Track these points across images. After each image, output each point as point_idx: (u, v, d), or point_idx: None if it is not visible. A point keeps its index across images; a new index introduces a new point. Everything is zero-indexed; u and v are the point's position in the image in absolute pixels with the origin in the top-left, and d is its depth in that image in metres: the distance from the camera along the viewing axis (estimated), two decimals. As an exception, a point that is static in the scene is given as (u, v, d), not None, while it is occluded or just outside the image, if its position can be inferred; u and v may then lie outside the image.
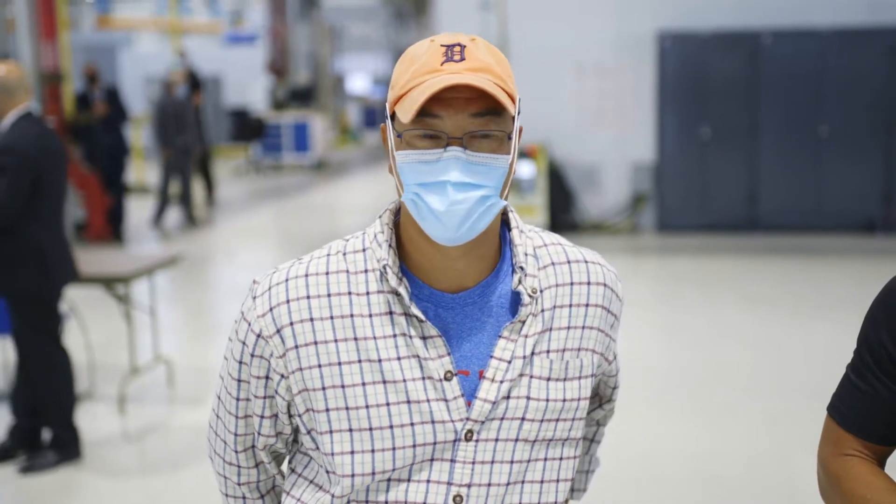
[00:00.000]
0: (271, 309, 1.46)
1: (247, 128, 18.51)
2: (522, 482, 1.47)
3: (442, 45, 1.37)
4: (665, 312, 7.66)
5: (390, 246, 1.45)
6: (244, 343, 1.49)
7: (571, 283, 1.51)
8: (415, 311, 1.41)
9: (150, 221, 11.67)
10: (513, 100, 1.38)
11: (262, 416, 1.52)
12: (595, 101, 10.74)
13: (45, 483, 4.61)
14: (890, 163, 10.19)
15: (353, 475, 1.43)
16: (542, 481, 1.48)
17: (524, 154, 9.88)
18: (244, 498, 1.61)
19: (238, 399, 1.53)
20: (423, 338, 1.42)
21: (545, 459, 1.48)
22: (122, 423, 5.33)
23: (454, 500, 1.43)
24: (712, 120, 10.40)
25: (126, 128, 11.09)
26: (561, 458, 1.50)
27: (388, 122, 1.42)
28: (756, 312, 7.40)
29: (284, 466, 1.65)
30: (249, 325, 1.48)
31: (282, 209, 14.31)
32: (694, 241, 10.16)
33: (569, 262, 1.53)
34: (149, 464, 4.92)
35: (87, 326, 6.18)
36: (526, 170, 9.85)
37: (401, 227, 1.48)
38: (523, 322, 1.45)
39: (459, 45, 1.37)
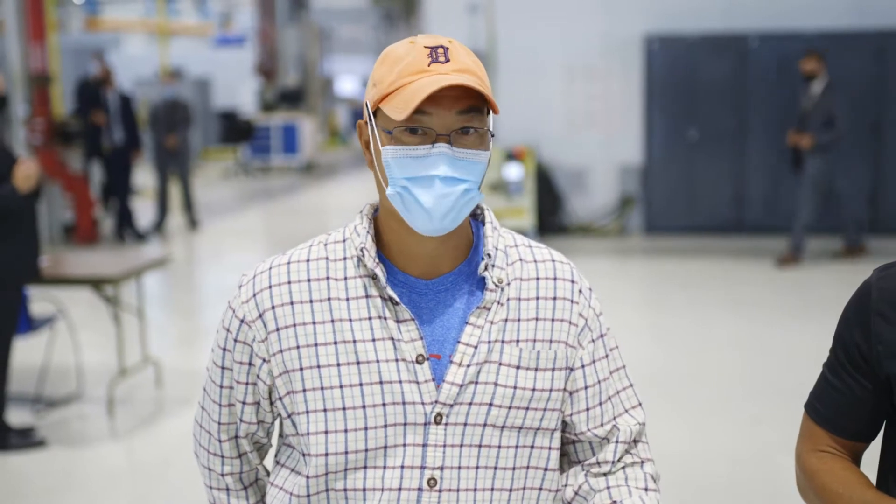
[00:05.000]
0: (255, 295, 1.53)
1: (235, 130, 18.51)
2: (495, 468, 1.51)
3: (426, 47, 1.45)
4: (651, 314, 7.71)
5: (368, 233, 1.52)
6: (228, 330, 1.55)
7: (537, 279, 1.57)
8: (390, 292, 1.48)
9: (152, 227, 11.60)
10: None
11: (244, 403, 1.57)
12: (583, 104, 10.78)
13: (34, 483, 4.62)
14: (876, 165, 10.26)
15: (326, 454, 1.48)
16: (514, 468, 1.53)
17: (512, 156, 9.92)
18: (227, 489, 1.65)
19: (222, 387, 1.59)
20: (398, 321, 1.48)
21: (516, 447, 1.52)
22: (110, 425, 5.34)
23: (428, 483, 1.48)
24: (699, 122, 10.45)
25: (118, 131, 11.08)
26: (532, 447, 1.54)
27: (371, 118, 1.48)
28: (742, 314, 7.45)
29: (269, 462, 1.69)
30: (234, 311, 1.55)
31: (270, 211, 14.32)
32: (681, 243, 10.21)
33: (535, 260, 1.59)
34: (137, 465, 4.93)
35: (76, 328, 6.19)
36: (514, 172, 9.87)
37: (379, 219, 1.55)
38: (489, 309, 1.51)
39: (443, 46, 1.45)
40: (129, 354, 6.04)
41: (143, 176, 14.38)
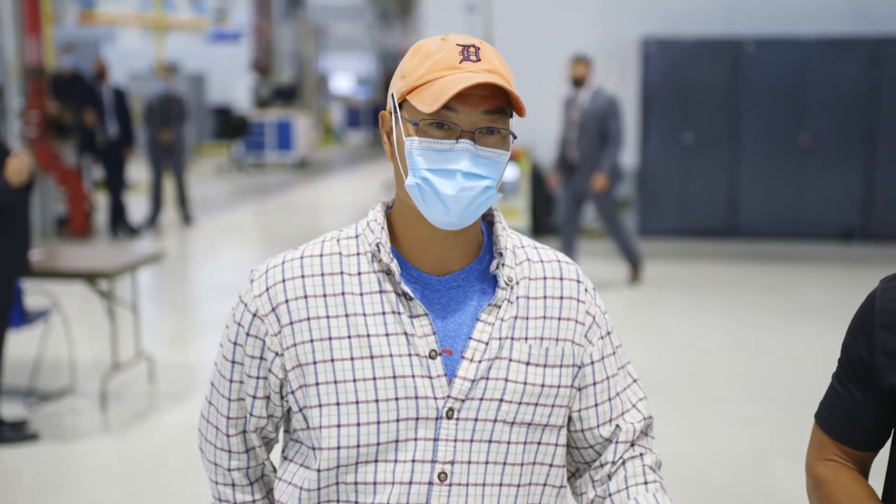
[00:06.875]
0: (268, 289, 1.53)
1: (230, 126, 18.48)
2: (504, 463, 1.53)
3: (458, 45, 1.47)
4: (645, 316, 7.71)
5: (383, 229, 1.54)
6: (240, 324, 1.55)
7: (545, 278, 1.59)
8: (404, 287, 1.49)
9: (145, 222, 11.55)
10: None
11: (254, 397, 1.57)
12: (579, 106, 10.75)
13: (26, 476, 4.61)
14: (869, 171, 10.29)
15: (338, 447, 1.49)
16: (522, 464, 1.54)
17: (508, 157, 9.91)
18: (234, 485, 1.64)
19: (231, 381, 1.58)
20: (411, 316, 1.50)
21: (525, 443, 1.54)
22: (103, 419, 5.33)
23: (439, 477, 1.50)
24: (695, 126, 10.46)
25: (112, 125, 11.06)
26: (540, 443, 1.56)
27: (396, 109, 1.49)
28: (735, 318, 7.46)
29: (276, 458, 1.68)
30: (246, 305, 1.55)
31: (264, 207, 14.30)
32: (675, 246, 10.22)
33: (542, 261, 1.61)
34: (130, 460, 4.92)
35: (70, 322, 6.18)
36: (509, 173, 9.88)
37: (392, 215, 1.57)
38: (499, 306, 1.53)
39: (474, 46, 1.48)
40: (123, 349, 6.02)
41: (137, 171, 14.35)
